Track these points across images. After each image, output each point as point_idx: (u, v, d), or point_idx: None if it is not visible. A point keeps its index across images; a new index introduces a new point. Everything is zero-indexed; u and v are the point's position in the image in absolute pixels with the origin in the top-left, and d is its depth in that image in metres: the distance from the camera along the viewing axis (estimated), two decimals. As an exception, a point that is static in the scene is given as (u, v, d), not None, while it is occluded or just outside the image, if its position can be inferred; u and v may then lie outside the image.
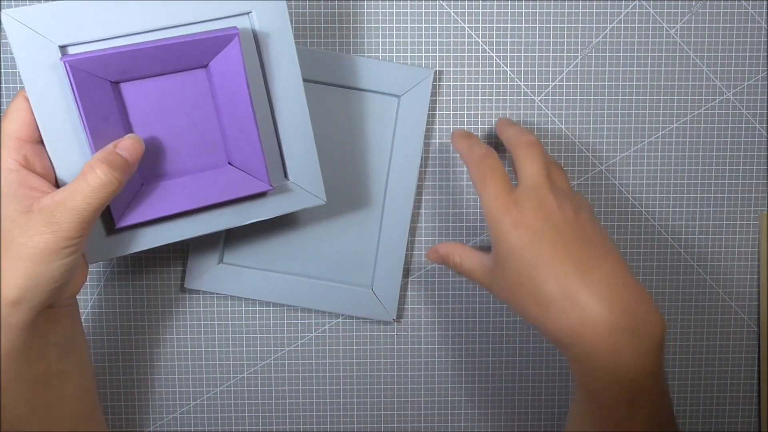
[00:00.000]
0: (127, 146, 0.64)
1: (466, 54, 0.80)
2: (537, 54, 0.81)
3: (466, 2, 0.80)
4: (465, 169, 0.82)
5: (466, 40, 0.80)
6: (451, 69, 0.80)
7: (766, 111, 0.82)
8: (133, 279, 0.82)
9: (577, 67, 0.81)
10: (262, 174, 0.70)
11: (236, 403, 0.84)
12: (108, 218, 0.68)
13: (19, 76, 0.78)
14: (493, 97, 0.81)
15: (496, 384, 0.85)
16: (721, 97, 0.82)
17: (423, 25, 0.80)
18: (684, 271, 0.84)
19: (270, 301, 0.81)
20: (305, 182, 0.73)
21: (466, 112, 0.81)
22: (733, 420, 0.86)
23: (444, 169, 0.82)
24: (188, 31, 0.66)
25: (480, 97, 0.81)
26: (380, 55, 0.80)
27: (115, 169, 0.61)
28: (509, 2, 0.80)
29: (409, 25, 0.80)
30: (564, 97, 0.81)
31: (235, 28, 0.66)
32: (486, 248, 0.73)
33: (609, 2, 0.80)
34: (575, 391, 0.70)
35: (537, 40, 0.80)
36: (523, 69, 0.81)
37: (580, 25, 0.80)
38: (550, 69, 0.81)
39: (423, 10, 0.79)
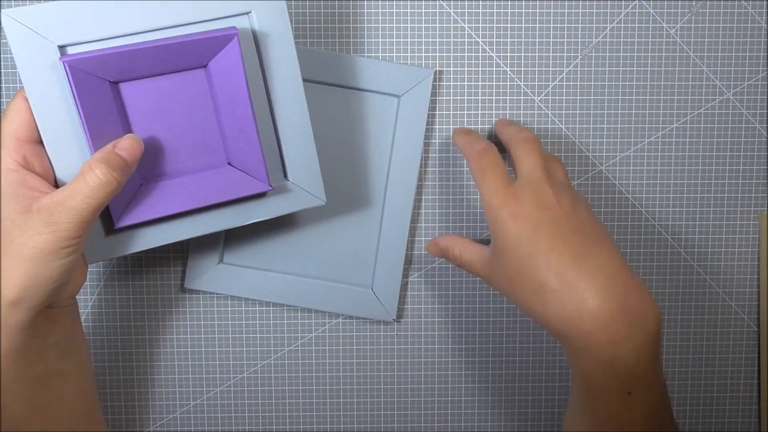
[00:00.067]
0: (127, 146, 0.64)
1: (466, 54, 0.80)
2: (537, 54, 0.81)
3: (466, 2, 0.80)
4: (465, 168, 0.82)
5: (466, 40, 0.80)
6: (451, 69, 0.80)
7: (766, 111, 0.82)
8: (133, 279, 0.82)
9: (577, 67, 0.81)
10: (262, 174, 0.70)
11: (236, 403, 0.84)
12: (107, 218, 0.68)
13: (19, 76, 0.78)
14: (493, 97, 0.81)
15: (496, 384, 0.85)
16: (721, 97, 0.82)
17: (423, 25, 0.80)
18: (684, 271, 0.84)
19: (270, 301, 0.81)
20: (305, 183, 0.73)
21: (466, 112, 0.81)
22: (733, 420, 0.86)
23: (444, 169, 0.82)
24: (187, 31, 0.66)
25: (480, 97, 0.81)
26: (380, 55, 0.80)
27: (114, 169, 0.61)
28: (509, 2, 0.80)
29: (409, 25, 0.80)
30: (564, 97, 0.81)
31: (234, 28, 0.66)
32: (486, 243, 0.74)
33: (609, 2, 0.80)
34: (573, 386, 0.71)
35: (537, 40, 0.80)
36: (523, 69, 0.81)
37: (580, 25, 0.80)
38: (550, 69, 0.81)
39: (423, 10, 0.79)
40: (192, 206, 0.68)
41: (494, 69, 0.81)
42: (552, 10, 0.80)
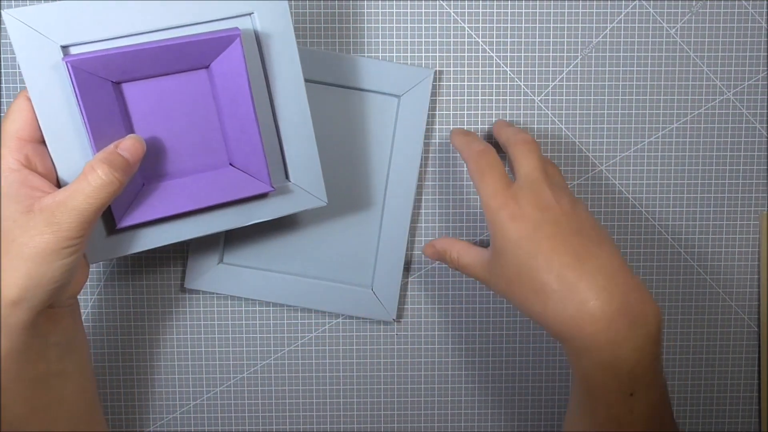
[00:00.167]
0: (129, 146, 0.64)
1: (466, 54, 0.81)
2: (537, 54, 0.81)
3: (466, 2, 0.80)
4: (465, 168, 0.82)
5: (466, 40, 0.80)
6: (451, 69, 0.81)
7: (766, 111, 0.82)
8: (133, 279, 0.82)
9: (577, 67, 0.81)
10: (264, 175, 0.70)
11: (236, 403, 0.84)
12: (109, 218, 0.68)
13: (20, 76, 0.78)
14: (493, 97, 0.81)
15: (496, 384, 0.85)
16: (721, 97, 0.82)
17: (423, 25, 0.80)
18: (684, 271, 0.84)
19: (270, 301, 0.81)
20: (306, 183, 0.73)
21: (466, 112, 0.81)
22: (733, 420, 0.86)
23: (444, 169, 0.82)
24: (190, 31, 0.66)
25: (480, 97, 0.81)
26: (380, 55, 0.80)
27: (116, 170, 0.62)
28: (509, 2, 0.80)
29: (409, 25, 0.80)
30: (564, 97, 0.81)
31: (237, 28, 0.66)
32: (484, 245, 0.74)
33: (609, 2, 0.80)
34: (573, 387, 0.71)
35: (537, 40, 0.81)
36: (523, 69, 0.81)
37: (580, 25, 0.81)
38: (550, 69, 0.81)
39: (423, 10, 0.80)
40: (194, 207, 0.69)
41: (494, 69, 0.81)
42: (552, 10, 0.80)
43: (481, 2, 0.80)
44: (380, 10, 0.80)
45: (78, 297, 0.75)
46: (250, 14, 0.68)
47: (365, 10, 0.80)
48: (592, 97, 0.82)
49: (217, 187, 0.69)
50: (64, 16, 0.63)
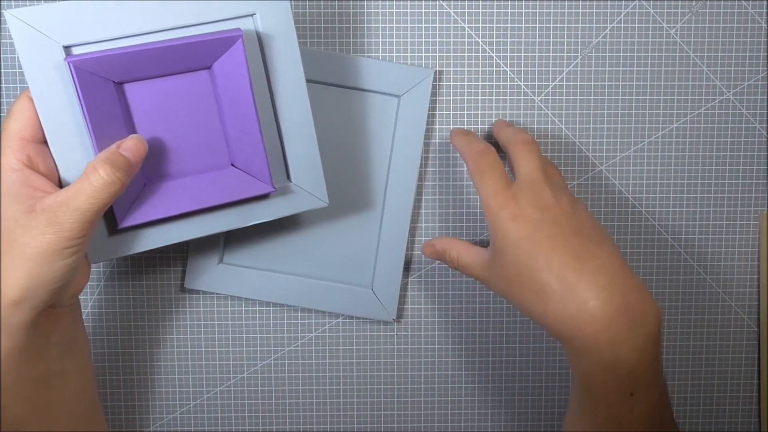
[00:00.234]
0: (130, 147, 0.64)
1: (466, 54, 0.81)
2: (537, 54, 0.81)
3: (466, 2, 0.80)
4: (465, 168, 0.82)
5: (466, 40, 0.81)
6: (451, 69, 0.81)
7: (766, 111, 0.82)
8: (133, 279, 0.82)
9: (577, 67, 0.81)
10: (265, 176, 0.70)
11: (236, 403, 0.84)
12: (111, 218, 0.68)
13: (19, 76, 0.78)
14: (493, 97, 0.81)
15: (496, 384, 0.85)
16: (721, 97, 0.82)
17: (423, 25, 0.80)
18: (684, 271, 0.84)
19: (270, 301, 0.81)
20: (308, 184, 0.73)
21: (466, 112, 0.82)
22: (733, 420, 0.87)
23: (444, 169, 0.82)
24: (192, 32, 0.66)
25: (480, 97, 0.81)
26: (380, 55, 0.80)
27: (118, 170, 0.62)
28: (509, 2, 0.80)
29: (409, 25, 0.80)
30: (564, 97, 0.82)
31: (238, 29, 0.66)
32: (484, 245, 0.74)
33: (609, 2, 0.80)
34: (573, 387, 0.71)
35: (537, 40, 0.81)
36: (523, 69, 0.81)
37: (580, 25, 0.81)
38: (550, 69, 0.81)
39: (423, 10, 0.80)
40: (195, 207, 0.69)
41: (494, 69, 0.81)
42: (552, 10, 0.81)
43: (481, 2, 0.80)
44: (380, 10, 0.80)
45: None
46: (252, 15, 0.68)
47: (365, 10, 0.80)
48: (592, 97, 0.82)
49: (218, 188, 0.70)
50: (67, 17, 0.63)
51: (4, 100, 0.79)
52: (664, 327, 0.85)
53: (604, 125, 0.82)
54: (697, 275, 0.85)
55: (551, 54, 0.81)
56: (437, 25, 0.80)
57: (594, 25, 0.81)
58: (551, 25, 0.81)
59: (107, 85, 0.64)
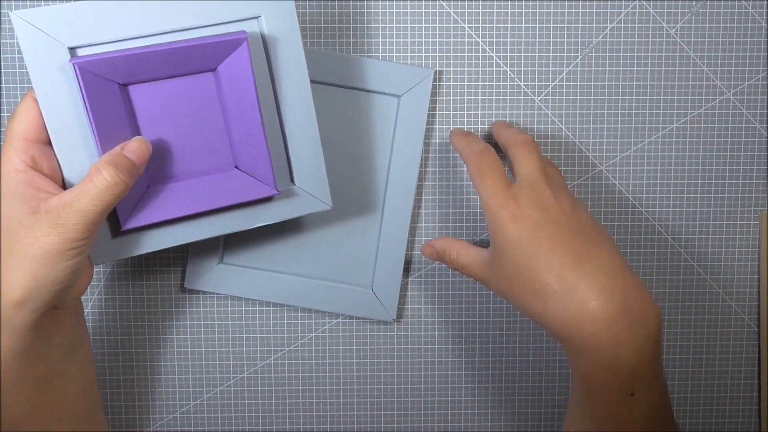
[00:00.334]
0: (134, 148, 0.64)
1: (466, 54, 0.81)
2: (537, 54, 0.82)
3: (466, 2, 0.81)
4: (465, 168, 0.83)
5: (466, 40, 0.81)
6: (451, 69, 0.81)
7: (766, 111, 0.83)
8: (133, 279, 0.83)
9: (577, 67, 0.82)
10: (269, 178, 0.70)
11: (236, 403, 0.85)
12: (114, 220, 0.68)
13: (20, 76, 0.79)
14: (493, 97, 0.82)
15: (496, 384, 0.86)
16: (721, 97, 0.83)
17: (423, 25, 0.81)
18: (684, 271, 0.85)
19: (270, 301, 0.82)
20: (311, 187, 0.73)
21: (466, 112, 0.82)
22: (733, 420, 0.87)
23: (444, 169, 0.83)
24: (197, 34, 0.67)
25: (480, 97, 0.82)
26: (380, 55, 0.81)
27: (122, 172, 0.62)
28: (509, 2, 0.81)
29: (409, 25, 0.80)
30: (564, 97, 0.82)
31: (244, 32, 0.66)
32: (484, 245, 0.75)
33: (609, 2, 0.81)
34: (573, 387, 0.72)
35: (537, 40, 0.81)
36: (523, 69, 0.82)
37: (580, 25, 0.81)
38: (550, 69, 0.82)
39: (423, 10, 0.80)
40: (199, 209, 0.69)
41: (494, 69, 0.82)
42: (552, 10, 0.81)
43: (481, 2, 0.81)
44: (380, 10, 0.80)
45: (79, 297, 0.76)
46: (257, 17, 0.68)
47: (365, 11, 0.80)
48: (592, 97, 0.82)
49: (222, 190, 0.70)
50: (72, 18, 0.63)
51: (4, 100, 0.80)
52: (664, 327, 0.85)
53: (604, 125, 0.83)
54: (697, 275, 0.85)
55: (551, 54, 0.82)
56: (437, 25, 0.81)
57: (594, 25, 0.82)
58: (551, 25, 0.81)
59: (112, 86, 0.65)
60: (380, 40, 0.81)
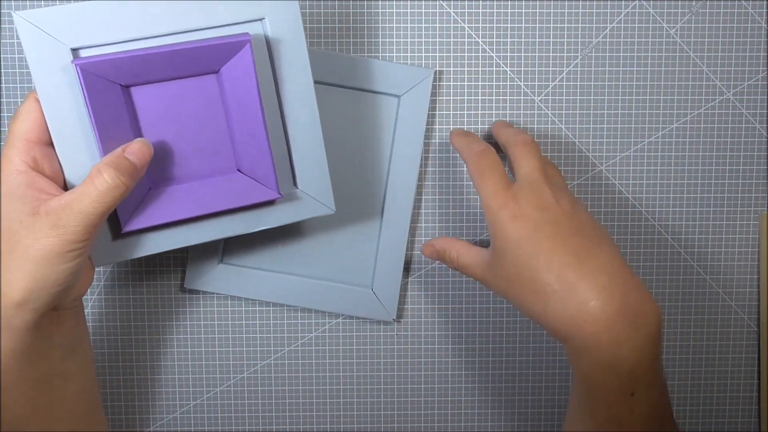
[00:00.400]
0: (136, 150, 0.65)
1: (466, 54, 0.82)
2: (537, 54, 0.82)
3: (466, 2, 0.81)
4: (465, 168, 0.83)
5: (466, 40, 0.81)
6: (451, 69, 0.82)
7: (766, 111, 0.83)
8: (133, 279, 0.83)
9: (577, 67, 0.82)
10: (271, 182, 0.70)
11: (236, 403, 0.85)
12: (115, 222, 0.69)
13: (20, 76, 0.79)
14: (493, 97, 0.82)
15: (496, 384, 0.86)
16: (721, 97, 0.83)
17: (423, 25, 0.81)
18: (684, 271, 0.85)
19: (270, 301, 0.82)
20: (314, 191, 0.73)
21: (466, 112, 0.82)
22: (733, 420, 0.87)
23: (444, 169, 0.83)
24: (200, 36, 0.67)
25: (480, 97, 0.82)
26: (380, 55, 0.81)
27: (123, 173, 0.62)
28: (509, 2, 0.81)
29: (409, 25, 0.81)
30: (564, 97, 0.83)
31: (247, 34, 0.66)
32: (484, 245, 0.75)
33: (609, 2, 0.81)
34: (573, 387, 0.72)
35: (537, 40, 0.82)
36: (523, 69, 0.82)
37: (580, 25, 0.82)
38: (550, 69, 0.82)
39: (423, 10, 0.81)
40: (200, 212, 0.69)
41: (494, 69, 0.82)
42: (552, 10, 0.81)
43: (481, 2, 0.81)
44: (380, 10, 0.81)
45: (80, 297, 0.76)
46: (261, 20, 0.68)
47: (365, 11, 0.80)
48: (592, 97, 0.83)
49: (224, 193, 0.70)
50: (75, 19, 0.64)
51: (4, 100, 0.80)
52: (664, 327, 0.86)
53: (604, 125, 0.83)
54: (697, 275, 0.86)
55: (551, 54, 0.82)
56: (437, 25, 0.81)
57: (594, 25, 0.82)
58: (551, 25, 0.82)
59: (114, 88, 0.65)
60: (380, 40, 0.81)
